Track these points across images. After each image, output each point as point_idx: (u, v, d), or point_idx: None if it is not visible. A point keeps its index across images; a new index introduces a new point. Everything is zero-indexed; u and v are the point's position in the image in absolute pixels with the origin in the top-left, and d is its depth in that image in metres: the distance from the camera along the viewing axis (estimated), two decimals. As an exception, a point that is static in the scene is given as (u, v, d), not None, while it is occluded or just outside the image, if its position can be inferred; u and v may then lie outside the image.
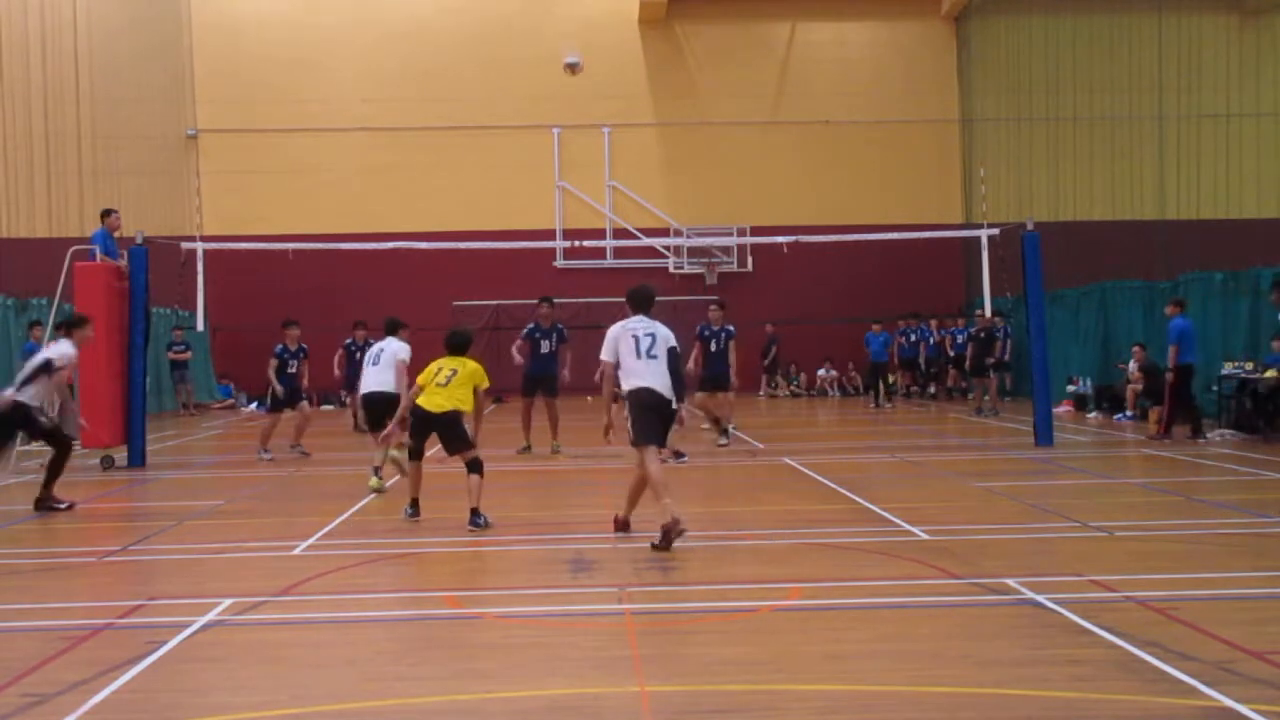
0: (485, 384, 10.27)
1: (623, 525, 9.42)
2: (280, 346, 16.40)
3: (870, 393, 26.17)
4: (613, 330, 9.28)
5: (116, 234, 15.65)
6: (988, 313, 19.62)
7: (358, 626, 6.76)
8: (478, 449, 10.09)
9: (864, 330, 26.66)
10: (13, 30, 26.19)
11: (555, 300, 16.89)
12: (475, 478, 9.85)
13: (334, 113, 29.40)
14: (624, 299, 9.62)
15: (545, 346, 15.54)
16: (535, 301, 16.63)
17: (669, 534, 8.54)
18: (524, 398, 15.80)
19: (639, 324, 9.24)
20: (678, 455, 14.03)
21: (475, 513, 9.75)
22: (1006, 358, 22.30)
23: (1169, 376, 16.37)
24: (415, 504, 10.36)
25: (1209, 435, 16.40)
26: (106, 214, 15.76)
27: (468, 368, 10.18)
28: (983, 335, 22.16)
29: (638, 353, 9.08)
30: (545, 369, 15.51)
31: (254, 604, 7.15)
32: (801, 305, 29.23)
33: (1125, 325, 21.84)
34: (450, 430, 10.03)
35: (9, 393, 11.40)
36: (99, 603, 7.47)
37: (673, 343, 9.23)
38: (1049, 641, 6.01)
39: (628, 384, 9.09)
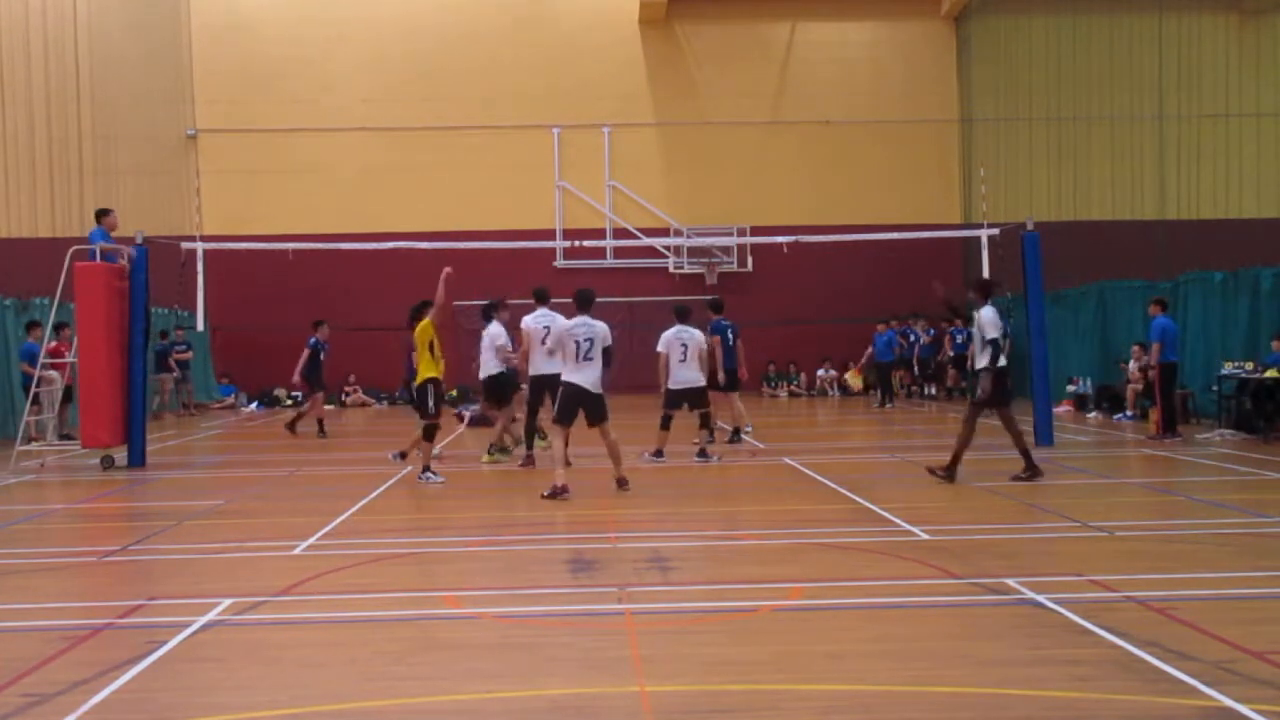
0: (427, 337, 12.70)
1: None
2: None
3: (873, 391, 26.12)
4: (558, 329, 12.14)
5: (114, 234, 15.63)
6: (987, 313, 19.57)
7: (358, 626, 6.76)
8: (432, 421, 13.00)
9: (863, 330, 26.64)
10: (14, 31, 26.20)
11: (554, 300, 16.95)
12: (426, 444, 12.98)
13: (334, 113, 29.36)
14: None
15: None
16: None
17: (555, 492, 11.07)
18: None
19: (582, 328, 11.52)
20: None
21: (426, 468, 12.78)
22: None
23: (1151, 374, 16.53)
24: (404, 454, 14.21)
25: (1210, 434, 16.43)
26: (103, 214, 15.73)
27: (417, 336, 12.87)
28: (983, 335, 22.10)
29: (577, 355, 11.46)
30: None
31: (254, 604, 7.14)
32: (801, 305, 29.21)
33: (1125, 325, 21.82)
34: (419, 399, 13.09)
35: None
36: (99, 603, 7.46)
37: (608, 342, 11.63)
38: (1049, 641, 6.01)
39: (566, 375, 11.58)
